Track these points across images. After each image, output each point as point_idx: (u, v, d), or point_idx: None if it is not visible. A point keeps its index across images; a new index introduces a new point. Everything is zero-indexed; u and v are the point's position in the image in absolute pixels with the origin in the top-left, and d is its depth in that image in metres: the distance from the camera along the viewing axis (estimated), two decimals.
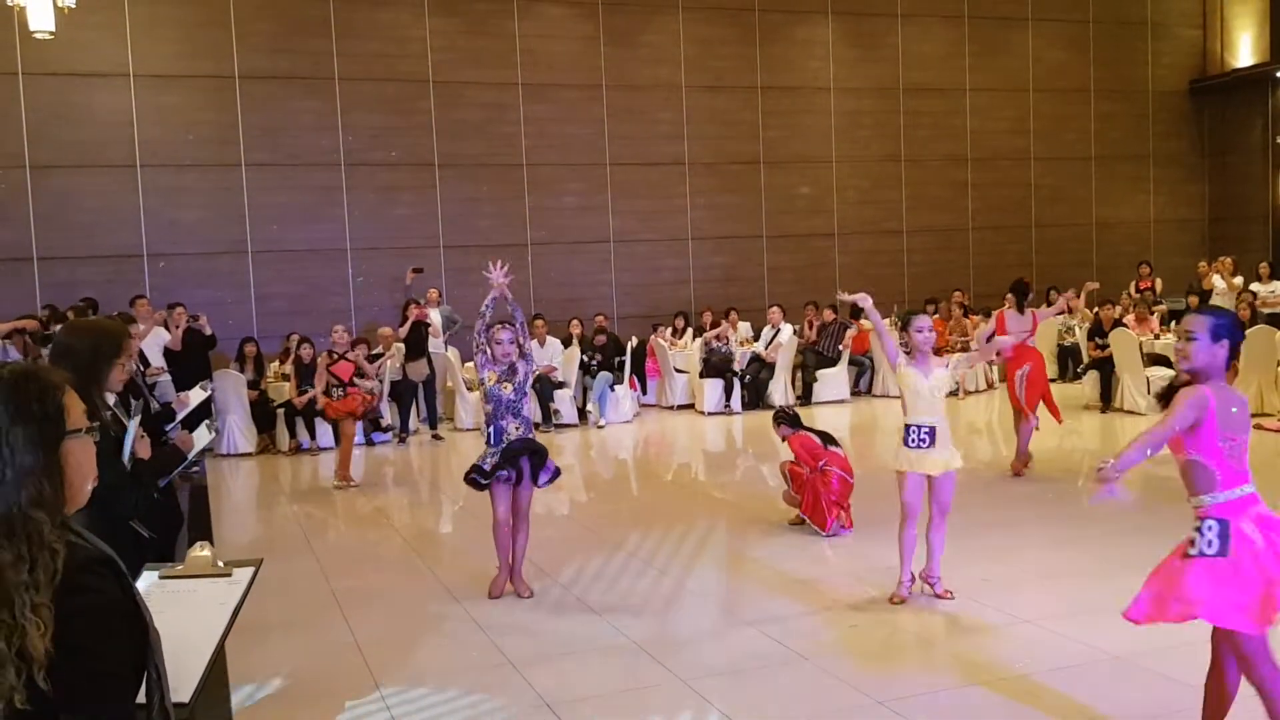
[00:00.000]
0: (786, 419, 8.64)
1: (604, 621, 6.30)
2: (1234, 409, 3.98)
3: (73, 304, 12.60)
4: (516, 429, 6.76)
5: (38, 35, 11.61)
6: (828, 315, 15.72)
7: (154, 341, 12.20)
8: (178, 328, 12.50)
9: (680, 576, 7.18)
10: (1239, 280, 15.93)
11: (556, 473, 6.98)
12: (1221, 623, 3.92)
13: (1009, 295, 11.02)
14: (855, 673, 5.34)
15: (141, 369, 8.82)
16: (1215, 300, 15.64)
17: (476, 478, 6.76)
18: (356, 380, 11.14)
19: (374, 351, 12.60)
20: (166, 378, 11.72)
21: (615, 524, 8.84)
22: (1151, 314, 15.07)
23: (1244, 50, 20.26)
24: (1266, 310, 14.69)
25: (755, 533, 8.26)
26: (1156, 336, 14.28)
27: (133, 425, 3.96)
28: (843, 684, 5.21)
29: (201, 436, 4.80)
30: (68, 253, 14.25)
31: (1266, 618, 3.83)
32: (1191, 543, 4.01)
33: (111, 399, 4.14)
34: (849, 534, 8.03)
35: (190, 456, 4.54)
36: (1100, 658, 5.35)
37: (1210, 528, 3.98)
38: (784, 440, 8.60)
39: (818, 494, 8.04)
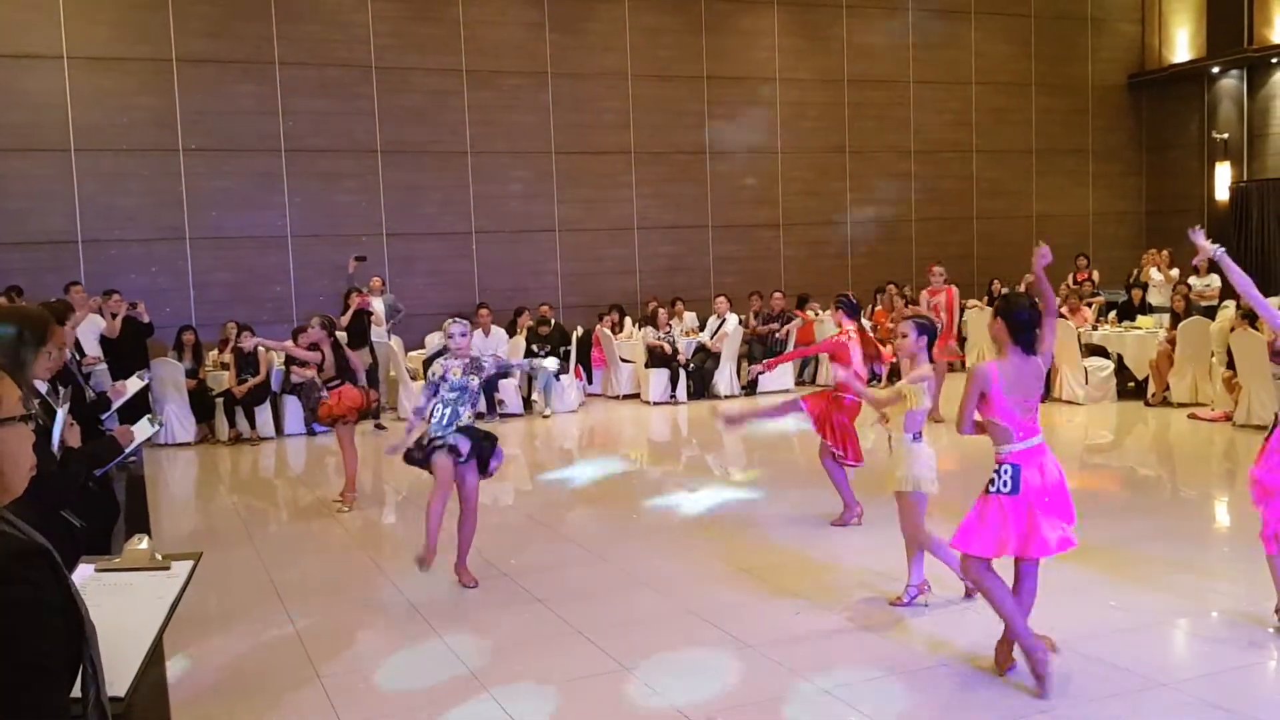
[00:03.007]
0: (846, 305, 7.97)
1: (548, 610, 6.28)
2: (1024, 373, 4.89)
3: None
4: (469, 418, 6.77)
5: None
6: (775, 304, 15.79)
7: (88, 329, 11.93)
8: (115, 315, 12.26)
9: (624, 565, 7.17)
10: (1175, 272, 16.21)
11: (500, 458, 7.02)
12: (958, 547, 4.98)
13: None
14: (798, 659, 5.36)
15: (78, 358, 8.65)
16: (1152, 292, 15.91)
17: (413, 452, 6.76)
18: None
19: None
20: (102, 367, 11.48)
21: (560, 513, 8.82)
22: (1088, 305, 15.31)
23: (1181, 46, 20.60)
24: (1203, 303, 14.95)
25: (700, 521, 8.28)
26: (1095, 327, 14.51)
27: (61, 413, 3.87)
28: (785, 670, 5.23)
29: (143, 429, 4.71)
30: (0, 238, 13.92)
31: (1025, 549, 4.81)
32: (991, 483, 4.89)
33: (43, 387, 4.04)
34: (798, 520, 8.06)
35: (129, 449, 4.45)
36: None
37: (1005, 470, 4.86)
38: (837, 327, 8.00)
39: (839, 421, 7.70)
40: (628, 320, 16.18)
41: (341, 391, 9.08)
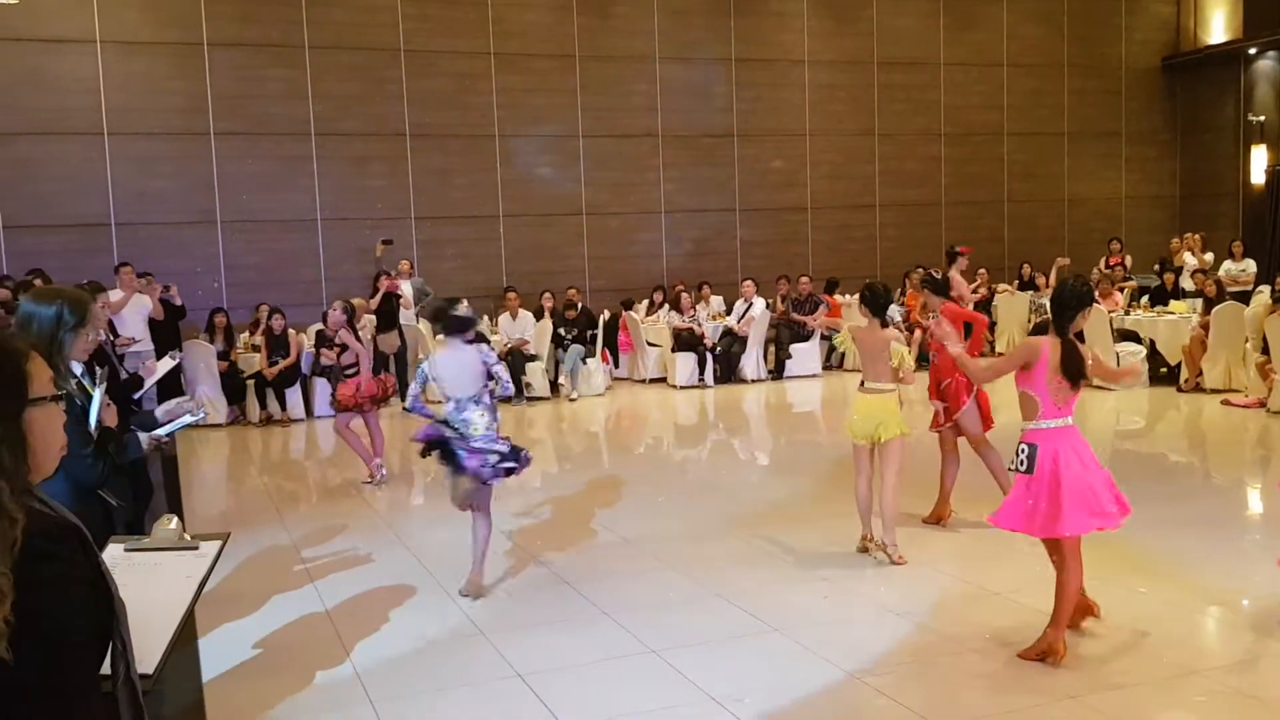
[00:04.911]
0: (933, 284, 7.48)
1: (575, 593, 6.30)
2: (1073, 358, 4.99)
3: (21, 279, 12.25)
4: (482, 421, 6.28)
5: (1, 1, 11.40)
6: (803, 288, 15.73)
7: (136, 311, 12.03)
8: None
9: (651, 548, 7.18)
10: (1210, 256, 16.03)
11: (509, 471, 6.36)
12: (1004, 526, 5.12)
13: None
14: (825, 643, 5.35)
15: (111, 339, 8.73)
16: (1186, 276, 15.77)
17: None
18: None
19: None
20: (149, 348, 11.52)
21: (586, 496, 8.83)
22: (1120, 289, 15.18)
23: (1216, 27, 20.33)
24: (1236, 288, 14.80)
25: (725, 505, 8.27)
26: (1127, 312, 14.38)
27: (98, 393, 3.91)
28: (812, 654, 5.23)
29: (184, 418, 4.72)
30: (33, 221, 14.04)
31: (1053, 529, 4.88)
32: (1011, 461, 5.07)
33: (78, 368, 4.08)
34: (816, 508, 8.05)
35: (165, 431, 4.45)
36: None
37: (1023, 450, 4.99)
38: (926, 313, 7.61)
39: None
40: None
41: (356, 382, 9.41)
